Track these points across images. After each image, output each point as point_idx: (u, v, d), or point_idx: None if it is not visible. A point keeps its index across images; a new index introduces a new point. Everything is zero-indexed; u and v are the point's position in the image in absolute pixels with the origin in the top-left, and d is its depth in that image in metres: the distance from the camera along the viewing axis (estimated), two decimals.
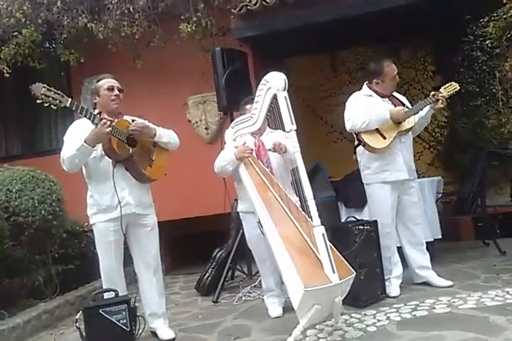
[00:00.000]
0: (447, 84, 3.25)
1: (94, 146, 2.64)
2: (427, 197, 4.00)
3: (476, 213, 4.36)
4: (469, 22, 5.83)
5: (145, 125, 2.84)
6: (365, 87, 3.35)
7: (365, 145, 3.22)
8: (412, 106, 3.26)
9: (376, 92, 3.29)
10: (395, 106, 3.26)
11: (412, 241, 3.32)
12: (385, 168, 3.22)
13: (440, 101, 3.17)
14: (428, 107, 3.23)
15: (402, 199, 3.29)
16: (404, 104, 3.29)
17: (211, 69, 4.26)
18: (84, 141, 2.60)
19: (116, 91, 2.83)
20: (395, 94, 3.39)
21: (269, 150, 3.03)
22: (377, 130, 3.18)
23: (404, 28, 4.96)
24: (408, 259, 3.35)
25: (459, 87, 3.25)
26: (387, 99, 3.30)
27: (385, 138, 3.18)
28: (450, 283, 3.22)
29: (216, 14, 4.52)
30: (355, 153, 3.39)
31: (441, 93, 3.19)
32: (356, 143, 3.32)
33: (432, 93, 3.22)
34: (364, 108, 3.19)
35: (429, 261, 3.33)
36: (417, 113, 3.23)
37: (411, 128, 3.22)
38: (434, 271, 3.33)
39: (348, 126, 3.23)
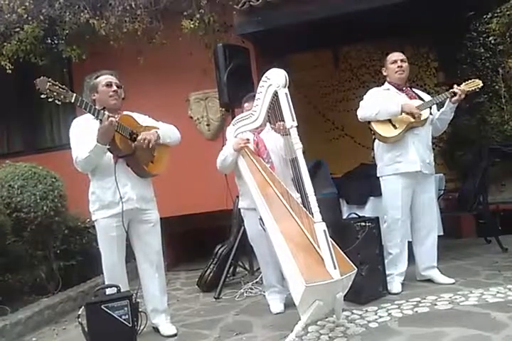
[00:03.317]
0: (470, 81, 3.24)
1: (106, 144, 2.63)
2: None
3: (478, 210, 4.35)
4: (472, 18, 5.79)
5: (148, 137, 2.78)
6: (386, 82, 3.41)
7: (375, 134, 3.26)
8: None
9: (392, 85, 3.34)
10: (410, 98, 3.28)
11: (423, 239, 3.30)
12: (398, 159, 3.22)
13: (458, 94, 3.15)
14: (447, 102, 3.22)
15: (417, 194, 3.27)
16: (421, 98, 3.29)
17: (213, 65, 4.26)
18: (97, 141, 2.59)
19: (114, 87, 2.83)
20: (417, 90, 3.41)
21: (273, 129, 2.98)
22: (388, 120, 3.20)
23: (407, 24, 4.94)
24: (416, 259, 3.34)
25: (482, 84, 3.22)
26: (403, 92, 3.31)
27: (395, 127, 3.19)
28: (452, 280, 3.21)
29: (218, 10, 4.51)
30: (373, 149, 3.43)
31: (459, 87, 3.18)
32: (373, 137, 3.35)
33: (454, 87, 3.21)
34: (378, 99, 3.24)
35: (435, 260, 3.32)
36: (432, 106, 3.23)
37: (425, 120, 3.20)
38: (438, 268, 3.33)
39: (359, 115, 3.27)
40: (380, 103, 3.19)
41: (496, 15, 6.15)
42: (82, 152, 2.66)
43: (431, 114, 3.26)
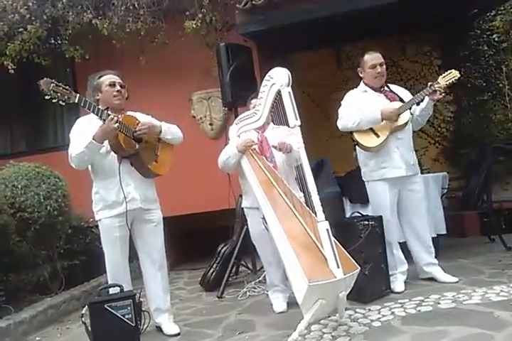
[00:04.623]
0: (446, 72, 3.13)
1: (102, 143, 2.65)
2: (432, 192, 3.98)
3: (482, 208, 4.34)
4: (476, 16, 5.77)
5: (150, 125, 2.83)
6: (361, 83, 3.33)
7: (358, 144, 3.22)
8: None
9: (370, 87, 3.26)
10: (390, 99, 3.20)
11: (416, 238, 3.29)
12: (382, 165, 3.20)
13: (438, 92, 3.06)
14: (427, 99, 3.12)
15: (404, 194, 3.26)
16: (401, 98, 3.20)
17: (216, 65, 4.25)
18: (93, 138, 2.61)
19: (118, 87, 2.84)
20: (395, 87, 3.32)
21: (274, 147, 3.02)
22: (370, 128, 3.16)
23: (410, 22, 4.92)
24: (414, 256, 3.33)
25: (459, 75, 3.09)
26: (381, 93, 3.23)
27: (378, 136, 3.15)
28: (456, 279, 3.20)
29: (221, 9, 4.51)
30: (355, 150, 3.39)
31: (438, 83, 3.07)
32: (354, 144, 3.32)
33: (429, 83, 3.10)
34: (357, 106, 3.17)
35: (434, 257, 3.31)
36: (411, 107, 3.14)
37: (406, 123, 3.15)
38: (440, 266, 3.32)
39: (339, 125, 3.23)
40: (359, 112, 3.13)
41: (499, 12, 6.12)
42: (77, 148, 2.67)
43: (411, 113, 3.19)
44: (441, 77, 3.12)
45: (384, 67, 3.22)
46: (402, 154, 3.19)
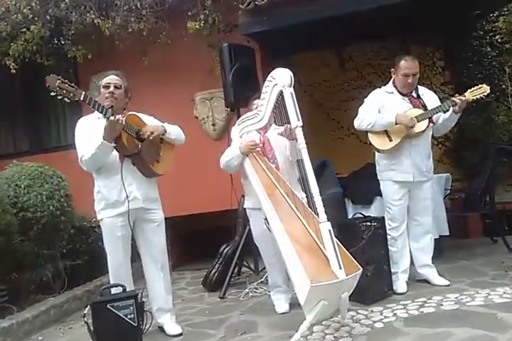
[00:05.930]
0: (476, 87, 3.07)
1: (112, 142, 2.64)
2: (435, 193, 3.96)
3: (485, 210, 4.34)
4: (479, 17, 5.76)
5: (156, 129, 2.82)
6: (390, 82, 3.32)
7: (371, 145, 3.26)
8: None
9: (396, 89, 3.25)
10: (414, 106, 3.19)
11: (416, 238, 3.30)
12: (392, 167, 3.24)
13: (458, 105, 3.01)
14: (451, 110, 3.09)
15: (412, 194, 3.28)
16: (424, 105, 3.18)
17: (218, 65, 4.26)
18: (103, 139, 2.60)
19: (111, 89, 2.82)
20: (423, 90, 3.30)
21: (280, 134, 2.99)
22: (385, 131, 3.18)
23: (413, 23, 4.91)
24: (412, 257, 3.33)
25: (488, 91, 3.04)
26: (407, 98, 3.23)
27: (391, 140, 3.17)
28: (447, 282, 3.20)
29: (223, 10, 4.51)
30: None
31: (464, 96, 3.03)
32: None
33: (456, 96, 3.07)
34: (379, 108, 3.20)
35: (430, 259, 3.31)
36: (431, 117, 3.13)
37: (423, 131, 3.13)
38: (437, 268, 3.31)
39: (355, 124, 3.26)
40: (376, 114, 3.17)
41: (502, 13, 6.10)
42: (88, 150, 2.67)
43: (432, 122, 3.18)
44: (469, 90, 3.08)
45: (416, 77, 3.18)
46: (414, 160, 3.19)
